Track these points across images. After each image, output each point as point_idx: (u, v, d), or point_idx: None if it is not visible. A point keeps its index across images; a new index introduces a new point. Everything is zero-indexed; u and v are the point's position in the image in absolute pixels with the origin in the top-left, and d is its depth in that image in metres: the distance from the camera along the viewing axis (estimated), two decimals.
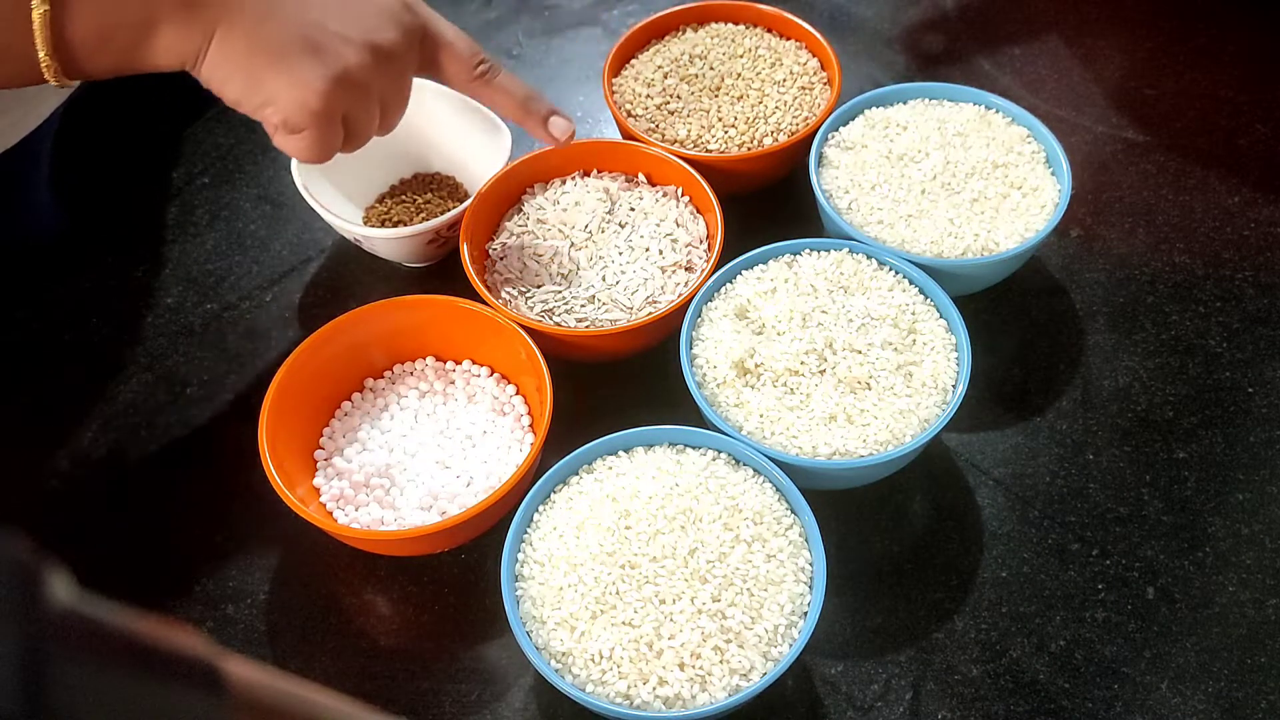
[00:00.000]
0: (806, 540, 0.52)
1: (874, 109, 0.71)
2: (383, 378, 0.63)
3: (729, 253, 0.63)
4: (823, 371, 0.57)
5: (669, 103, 0.72)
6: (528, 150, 0.69)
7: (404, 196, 0.72)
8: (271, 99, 0.51)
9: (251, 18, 0.50)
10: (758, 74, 0.73)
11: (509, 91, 0.62)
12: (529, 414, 0.61)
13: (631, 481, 0.53)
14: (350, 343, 0.61)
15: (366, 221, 0.71)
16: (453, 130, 0.72)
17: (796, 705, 0.53)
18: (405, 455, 0.59)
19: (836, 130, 0.69)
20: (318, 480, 0.58)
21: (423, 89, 0.72)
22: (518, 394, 0.61)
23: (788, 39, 0.76)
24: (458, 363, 0.63)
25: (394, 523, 0.56)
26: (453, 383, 0.63)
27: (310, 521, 0.53)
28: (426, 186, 0.73)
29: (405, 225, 0.69)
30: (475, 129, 0.71)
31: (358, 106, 0.54)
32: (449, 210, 0.68)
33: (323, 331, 0.60)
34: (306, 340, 0.59)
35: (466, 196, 0.72)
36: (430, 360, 0.63)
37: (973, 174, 0.66)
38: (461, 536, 0.56)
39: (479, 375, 0.63)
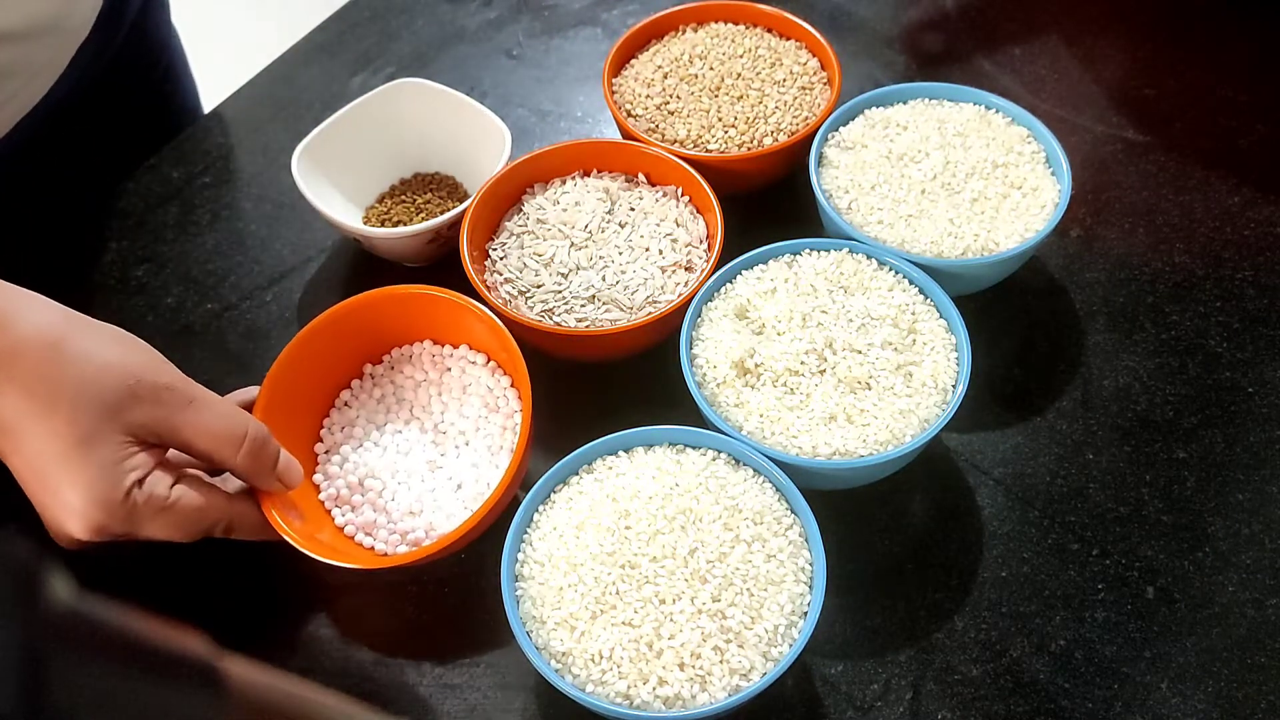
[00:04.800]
0: (806, 540, 0.52)
1: (874, 109, 0.71)
2: (381, 363, 0.63)
3: (729, 253, 0.62)
4: (823, 371, 0.57)
5: (669, 103, 0.72)
6: (528, 150, 0.69)
7: (404, 196, 0.72)
8: None
9: None
10: (758, 74, 0.73)
11: None
12: (520, 410, 0.60)
13: (631, 481, 0.53)
14: (338, 337, 0.61)
15: (366, 221, 0.71)
16: (453, 130, 0.72)
17: (796, 705, 0.53)
18: (399, 455, 0.59)
19: (836, 130, 0.69)
20: (317, 477, 0.59)
21: (423, 88, 0.72)
22: (511, 386, 0.61)
23: (788, 39, 0.76)
24: (454, 347, 0.63)
25: (386, 524, 0.57)
26: (448, 370, 0.62)
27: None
28: (426, 186, 0.73)
29: (405, 225, 0.69)
30: (475, 129, 0.71)
31: None
32: (449, 210, 0.68)
33: (304, 333, 0.59)
34: (291, 341, 0.59)
35: (466, 196, 0.72)
36: (427, 344, 0.63)
37: (973, 174, 0.66)
38: (448, 552, 0.55)
39: (475, 363, 0.62)
